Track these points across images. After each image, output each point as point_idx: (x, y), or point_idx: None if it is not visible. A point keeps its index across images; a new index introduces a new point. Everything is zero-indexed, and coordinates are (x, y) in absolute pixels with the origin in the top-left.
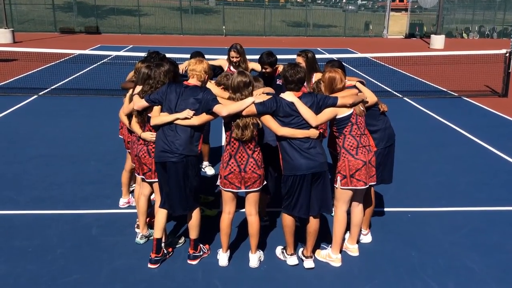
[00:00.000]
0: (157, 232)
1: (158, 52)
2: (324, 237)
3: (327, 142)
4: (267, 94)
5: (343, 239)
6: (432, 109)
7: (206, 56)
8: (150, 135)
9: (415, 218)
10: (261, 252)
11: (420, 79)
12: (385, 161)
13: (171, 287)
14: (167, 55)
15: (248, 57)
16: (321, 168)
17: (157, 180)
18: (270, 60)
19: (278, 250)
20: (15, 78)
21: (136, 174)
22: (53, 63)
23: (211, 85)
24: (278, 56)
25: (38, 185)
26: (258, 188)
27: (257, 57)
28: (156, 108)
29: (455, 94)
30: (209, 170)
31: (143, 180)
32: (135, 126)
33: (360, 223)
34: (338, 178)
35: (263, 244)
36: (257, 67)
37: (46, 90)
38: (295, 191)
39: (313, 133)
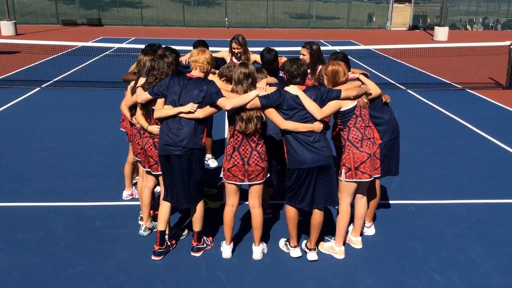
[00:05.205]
0: (161, 224)
1: (152, 44)
2: (328, 230)
3: (331, 135)
4: (271, 85)
5: (347, 232)
6: (436, 101)
7: (209, 48)
8: (156, 129)
9: (419, 210)
10: (265, 244)
11: (424, 71)
12: (391, 153)
13: (175, 279)
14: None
15: (250, 49)
16: (326, 161)
17: None
18: (272, 57)
19: (282, 242)
20: (18, 70)
21: (142, 167)
22: (55, 56)
23: (213, 78)
24: (281, 49)
25: (41, 177)
26: (262, 181)
27: (259, 49)
28: (160, 101)
29: (459, 86)
30: (212, 163)
31: (148, 173)
32: (141, 118)
33: (364, 215)
34: (343, 171)
35: (266, 236)
36: (260, 59)
37: (48, 83)
38: (300, 184)
39: (316, 126)
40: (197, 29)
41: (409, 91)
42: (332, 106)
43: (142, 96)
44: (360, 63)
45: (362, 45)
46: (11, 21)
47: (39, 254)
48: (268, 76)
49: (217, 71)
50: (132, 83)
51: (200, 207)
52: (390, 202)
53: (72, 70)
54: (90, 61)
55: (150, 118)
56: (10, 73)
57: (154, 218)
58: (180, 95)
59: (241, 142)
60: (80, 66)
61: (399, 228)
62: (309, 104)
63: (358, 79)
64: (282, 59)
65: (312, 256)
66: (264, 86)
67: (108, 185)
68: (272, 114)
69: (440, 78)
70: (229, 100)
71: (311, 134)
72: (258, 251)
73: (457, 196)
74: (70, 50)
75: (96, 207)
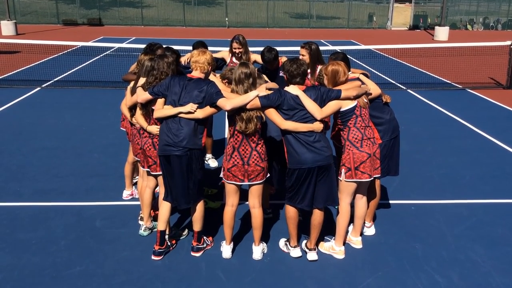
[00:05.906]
0: (161, 224)
1: (153, 44)
2: (328, 229)
3: (330, 135)
4: (270, 89)
5: (347, 232)
6: (436, 101)
7: (209, 48)
8: (156, 129)
9: (419, 210)
10: (265, 244)
11: (424, 71)
12: (391, 153)
13: (175, 279)
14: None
15: (250, 49)
16: (327, 161)
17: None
18: (273, 56)
19: (282, 242)
20: (18, 70)
21: (141, 167)
22: (56, 55)
23: (214, 79)
24: (281, 48)
25: (41, 177)
26: (261, 181)
27: (259, 49)
28: (160, 101)
29: (459, 86)
30: (212, 163)
31: (148, 173)
32: (140, 118)
33: (364, 215)
34: (343, 171)
35: (266, 236)
36: (260, 59)
37: (49, 82)
38: (300, 184)
39: (317, 126)
40: (197, 29)
41: (409, 91)
42: (332, 106)
43: (142, 96)
44: (360, 63)
45: (363, 45)
46: (11, 21)
47: (39, 254)
48: (267, 81)
49: (217, 75)
50: (132, 83)
51: (200, 207)
52: (390, 202)
53: (73, 70)
54: (91, 61)
55: (150, 118)
56: (11, 73)
57: (154, 218)
58: (180, 96)
59: (241, 142)
60: (81, 66)
61: (399, 228)
62: (309, 104)
63: (358, 79)
64: (282, 59)
65: (312, 256)
66: (264, 91)
67: (108, 185)
68: (272, 114)
69: (440, 78)
70: (229, 100)
71: (311, 134)
72: (258, 251)
73: (457, 196)
74: (70, 50)
75: (96, 207)
